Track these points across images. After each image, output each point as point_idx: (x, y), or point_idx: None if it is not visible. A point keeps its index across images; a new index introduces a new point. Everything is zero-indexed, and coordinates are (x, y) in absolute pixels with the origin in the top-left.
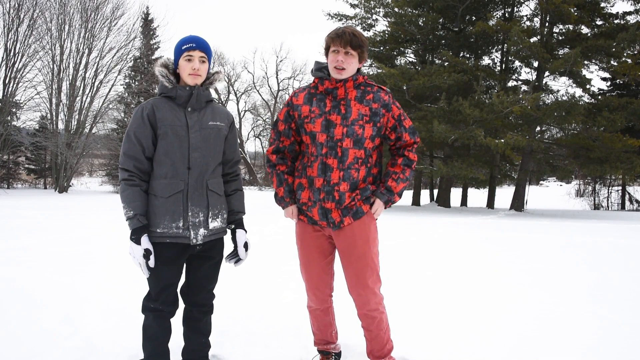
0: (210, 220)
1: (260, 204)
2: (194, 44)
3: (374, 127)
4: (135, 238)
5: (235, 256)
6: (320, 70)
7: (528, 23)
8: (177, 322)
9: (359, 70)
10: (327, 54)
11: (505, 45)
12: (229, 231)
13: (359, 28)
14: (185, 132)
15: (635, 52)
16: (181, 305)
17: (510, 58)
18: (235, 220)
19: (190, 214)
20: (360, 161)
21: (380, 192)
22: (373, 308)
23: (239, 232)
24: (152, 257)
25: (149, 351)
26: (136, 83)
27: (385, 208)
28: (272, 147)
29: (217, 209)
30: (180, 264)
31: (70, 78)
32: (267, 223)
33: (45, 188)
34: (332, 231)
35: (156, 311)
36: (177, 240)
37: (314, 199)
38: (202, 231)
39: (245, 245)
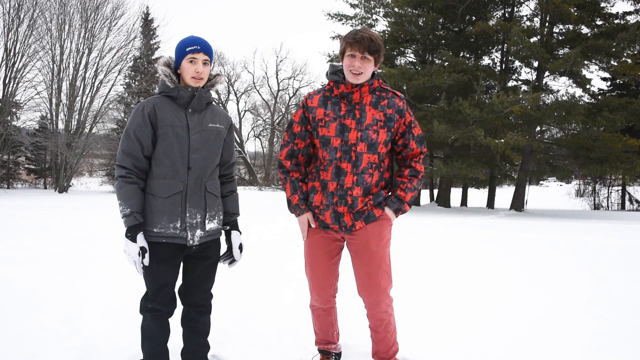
0: (207, 221)
1: (260, 204)
2: (198, 47)
3: (388, 132)
4: (131, 236)
5: (229, 257)
6: (335, 73)
7: (528, 23)
8: (177, 323)
9: (373, 74)
10: (342, 57)
11: (505, 45)
12: (224, 232)
13: (358, 28)
14: (185, 133)
15: (635, 52)
16: (180, 306)
17: (510, 58)
18: (230, 222)
19: (187, 215)
20: (374, 166)
21: (390, 200)
22: (383, 310)
23: (233, 233)
24: (147, 256)
25: (147, 351)
26: (136, 83)
27: (396, 216)
28: (285, 150)
29: (214, 211)
30: (176, 264)
31: (70, 78)
32: (267, 223)
33: (45, 188)
34: (345, 233)
35: (154, 311)
36: (174, 241)
37: (327, 202)
38: (198, 232)
39: (240, 247)
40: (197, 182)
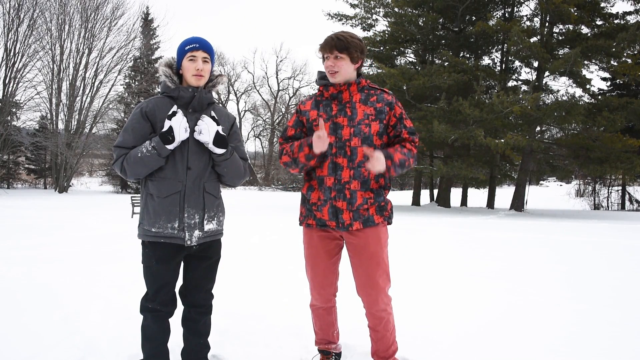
0: (205, 222)
1: (260, 204)
2: (197, 45)
3: (380, 123)
4: (167, 132)
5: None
6: (323, 78)
7: (528, 23)
8: (177, 323)
9: (360, 74)
10: (323, 62)
11: (505, 45)
12: (225, 231)
13: (358, 28)
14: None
15: (635, 52)
16: (181, 306)
17: (510, 58)
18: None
19: (186, 215)
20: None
21: (380, 150)
22: (381, 308)
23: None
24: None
25: (147, 351)
26: (136, 83)
27: (387, 168)
28: (282, 151)
29: (213, 212)
30: (176, 263)
31: (70, 78)
32: (267, 223)
33: (45, 188)
34: (341, 231)
35: (154, 311)
36: (172, 241)
37: (324, 197)
38: (196, 233)
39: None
40: (195, 183)
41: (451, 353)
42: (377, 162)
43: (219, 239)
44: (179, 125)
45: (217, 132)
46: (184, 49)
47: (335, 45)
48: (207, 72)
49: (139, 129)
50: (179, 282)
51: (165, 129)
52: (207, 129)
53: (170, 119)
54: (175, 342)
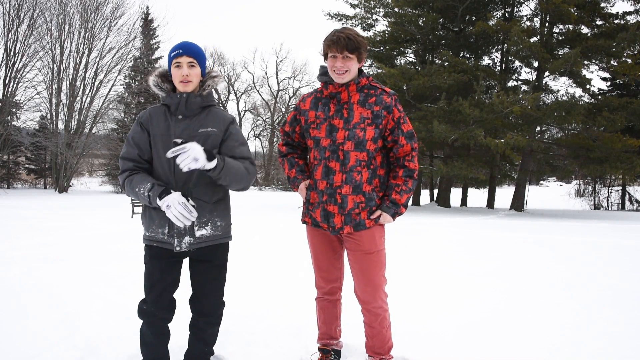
0: (196, 228)
1: (260, 203)
2: (180, 50)
3: (376, 129)
4: (165, 191)
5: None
6: (324, 74)
7: (528, 23)
8: (179, 323)
9: (361, 72)
10: (325, 59)
11: (505, 45)
12: (233, 236)
13: (358, 28)
14: (171, 139)
15: (635, 52)
16: (189, 313)
17: (510, 58)
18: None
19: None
20: (363, 164)
21: (386, 205)
22: (378, 305)
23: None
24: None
25: (146, 356)
26: (136, 83)
27: (393, 220)
28: (281, 142)
29: (205, 217)
30: (170, 264)
31: (70, 78)
32: (267, 223)
33: (45, 188)
34: (331, 234)
35: (150, 316)
36: (163, 246)
37: (319, 200)
38: (187, 239)
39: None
40: (183, 189)
41: (448, 350)
42: (386, 221)
43: (223, 243)
44: (174, 218)
45: (204, 149)
46: (169, 57)
47: (346, 46)
48: (195, 77)
49: (138, 139)
50: (189, 290)
51: (162, 206)
52: (195, 155)
53: (163, 203)
54: (176, 343)
